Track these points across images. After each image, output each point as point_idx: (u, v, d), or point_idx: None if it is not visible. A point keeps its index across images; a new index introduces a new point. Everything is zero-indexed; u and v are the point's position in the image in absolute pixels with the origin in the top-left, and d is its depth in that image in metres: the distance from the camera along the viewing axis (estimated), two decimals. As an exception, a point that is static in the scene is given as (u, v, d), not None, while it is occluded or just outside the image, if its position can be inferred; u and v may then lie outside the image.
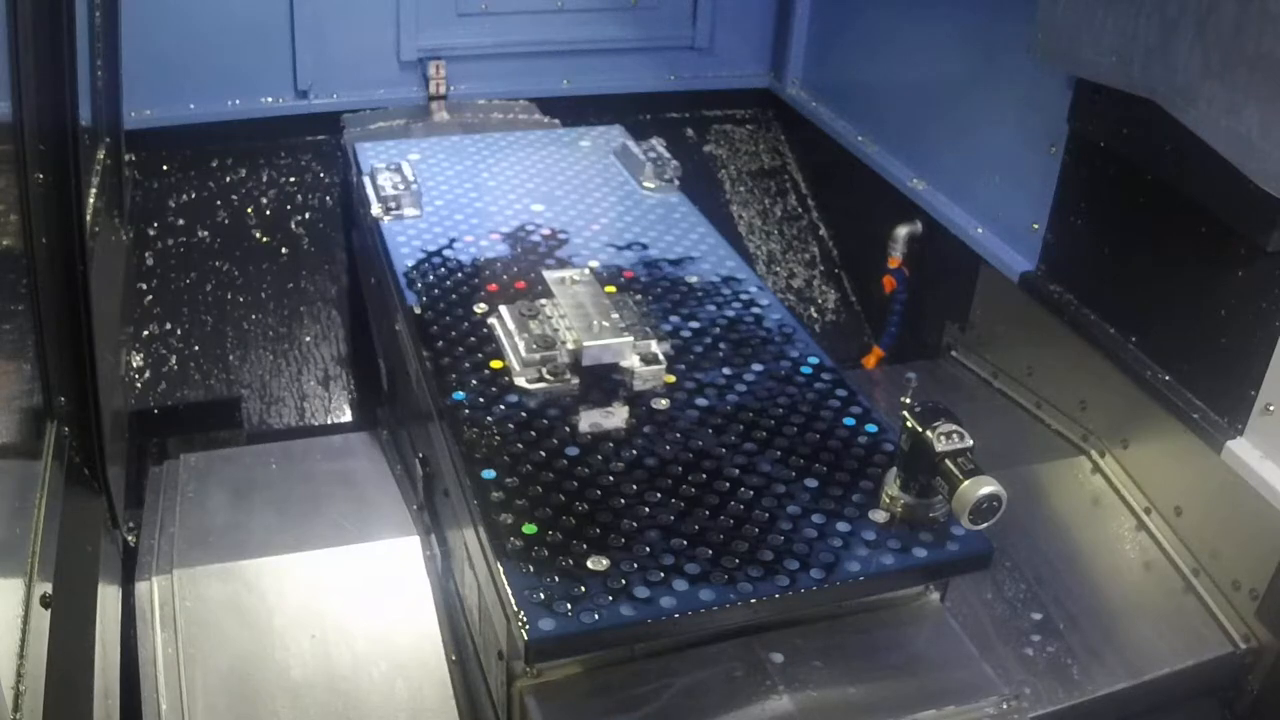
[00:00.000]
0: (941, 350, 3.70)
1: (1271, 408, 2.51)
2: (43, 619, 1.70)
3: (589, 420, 2.27)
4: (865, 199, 4.07)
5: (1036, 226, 3.19)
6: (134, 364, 3.58)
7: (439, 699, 2.39)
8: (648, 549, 1.94)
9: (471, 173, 3.30)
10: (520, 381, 2.36)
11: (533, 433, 2.22)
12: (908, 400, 1.98)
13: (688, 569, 1.90)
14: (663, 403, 2.33)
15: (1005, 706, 1.98)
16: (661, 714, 1.90)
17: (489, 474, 2.10)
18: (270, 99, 4.03)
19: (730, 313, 2.67)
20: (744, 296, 2.74)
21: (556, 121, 4.10)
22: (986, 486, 1.85)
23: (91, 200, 2.67)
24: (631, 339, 2.39)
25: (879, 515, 2.05)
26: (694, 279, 2.80)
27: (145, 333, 3.65)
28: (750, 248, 4.35)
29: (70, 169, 2.07)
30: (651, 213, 3.13)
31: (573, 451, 2.17)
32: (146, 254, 3.79)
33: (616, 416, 2.29)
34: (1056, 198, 3.10)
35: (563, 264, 2.81)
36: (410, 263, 2.79)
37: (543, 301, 2.53)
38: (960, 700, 1.97)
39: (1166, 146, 2.63)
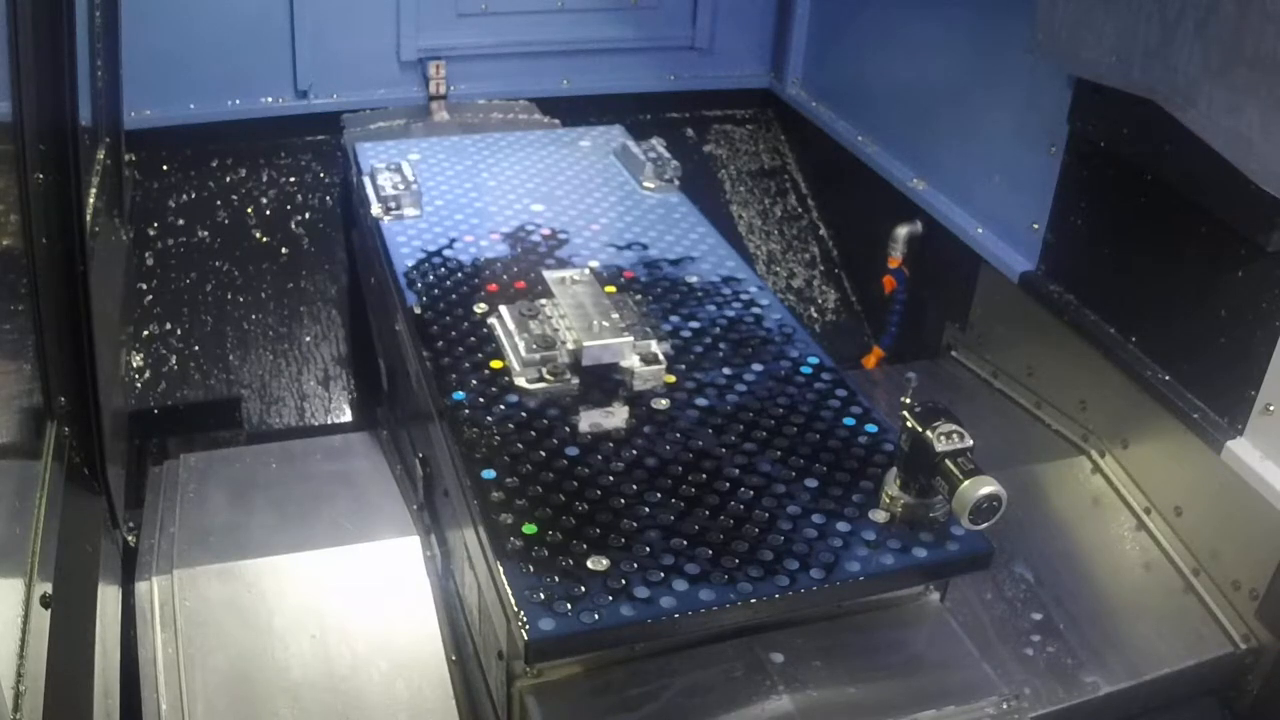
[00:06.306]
0: (941, 350, 3.70)
1: (1271, 408, 2.51)
2: (43, 619, 1.70)
3: (589, 420, 2.27)
4: (865, 199, 4.07)
5: (1036, 226, 3.19)
6: (134, 364, 3.58)
7: (439, 699, 2.39)
8: (648, 549, 1.94)
9: (471, 173, 3.30)
10: (520, 381, 2.36)
11: (533, 433, 2.22)
12: (908, 400, 1.98)
13: (687, 569, 1.90)
14: (663, 403, 2.33)
15: (1005, 706, 1.98)
16: (661, 714, 1.90)
17: (489, 474, 2.10)
18: (270, 99, 4.03)
19: (730, 313, 2.67)
20: (744, 296, 2.74)
21: (556, 121, 4.10)
22: (986, 486, 1.85)
23: (91, 200, 2.67)
24: (631, 339, 2.39)
25: (879, 515, 2.05)
26: (694, 279, 2.80)
27: (145, 333, 3.65)
28: (750, 248, 4.34)
29: (70, 169, 2.07)
30: (651, 213, 3.13)
31: (573, 451, 2.17)
32: (146, 254, 3.79)
33: (616, 416, 2.29)
34: (1056, 198, 3.10)
35: (563, 264, 2.81)
36: (410, 263, 2.79)
37: (543, 301, 2.53)
38: (960, 700, 1.97)
39: (1166, 146, 2.63)
